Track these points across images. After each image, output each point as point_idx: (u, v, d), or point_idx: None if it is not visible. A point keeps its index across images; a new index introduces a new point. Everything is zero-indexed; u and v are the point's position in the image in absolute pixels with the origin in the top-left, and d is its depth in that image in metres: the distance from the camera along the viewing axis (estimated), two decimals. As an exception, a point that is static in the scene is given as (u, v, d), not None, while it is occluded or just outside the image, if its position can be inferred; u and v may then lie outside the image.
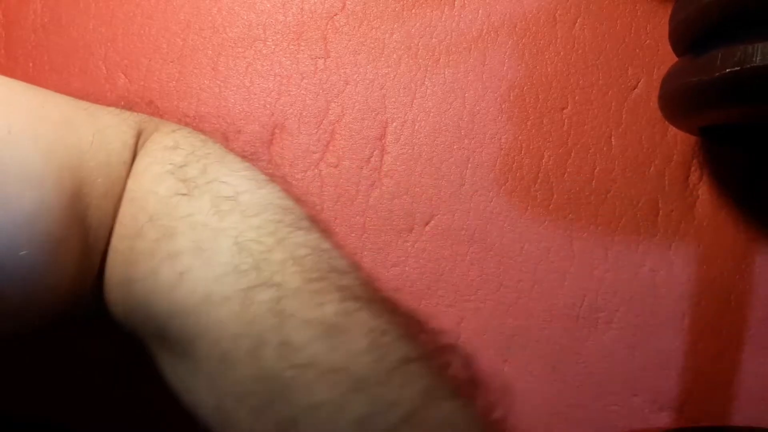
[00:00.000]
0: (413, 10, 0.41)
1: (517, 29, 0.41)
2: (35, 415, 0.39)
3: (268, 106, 0.41)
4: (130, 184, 0.29)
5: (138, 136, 0.30)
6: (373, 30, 0.41)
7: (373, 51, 0.41)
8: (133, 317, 0.28)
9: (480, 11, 0.41)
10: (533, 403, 0.40)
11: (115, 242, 0.28)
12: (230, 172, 0.29)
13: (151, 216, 0.27)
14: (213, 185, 0.28)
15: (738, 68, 0.27)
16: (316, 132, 0.40)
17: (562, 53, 0.41)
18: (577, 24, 0.41)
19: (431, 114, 0.41)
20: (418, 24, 0.41)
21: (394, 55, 0.41)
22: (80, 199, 0.26)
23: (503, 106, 0.41)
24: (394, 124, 0.41)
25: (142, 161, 0.29)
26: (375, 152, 0.40)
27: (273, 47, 0.41)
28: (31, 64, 0.41)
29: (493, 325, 0.40)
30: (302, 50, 0.41)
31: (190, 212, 0.27)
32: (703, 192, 0.40)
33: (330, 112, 0.41)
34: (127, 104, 0.34)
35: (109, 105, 0.33)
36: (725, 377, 0.40)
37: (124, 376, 0.40)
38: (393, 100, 0.41)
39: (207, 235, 0.26)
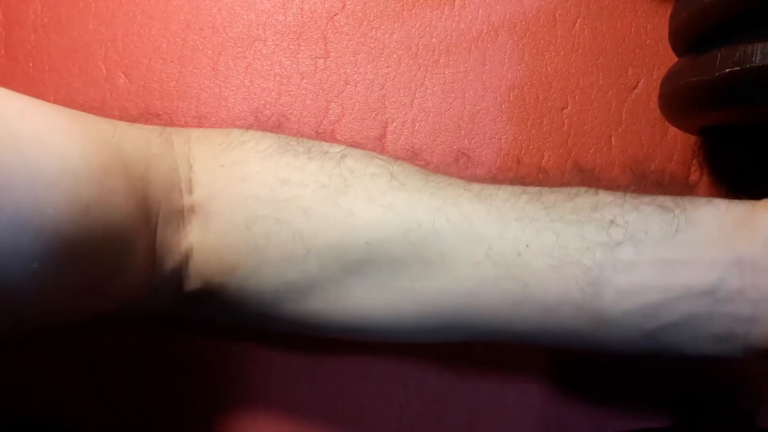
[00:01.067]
0: (413, 10, 0.41)
1: (517, 29, 0.41)
2: (35, 415, 0.39)
3: (268, 107, 0.41)
4: (227, 166, 0.32)
5: (160, 134, 0.32)
6: (373, 30, 0.41)
7: (373, 51, 0.41)
8: (298, 262, 0.30)
9: (480, 11, 0.41)
10: (531, 402, 0.40)
11: (243, 215, 0.31)
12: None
13: (316, 180, 0.31)
14: (318, 147, 0.33)
15: (737, 68, 0.27)
16: (316, 132, 0.40)
17: (562, 53, 0.41)
18: (577, 24, 0.41)
19: (431, 114, 0.41)
20: (418, 24, 0.41)
21: (394, 55, 0.41)
22: (112, 176, 0.27)
23: (503, 106, 0.41)
24: (394, 124, 0.41)
25: (249, 154, 0.32)
26: (375, 152, 0.40)
27: (273, 47, 0.41)
28: (31, 64, 0.41)
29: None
30: (302, 50, 0.41)
31: (353, 168, 0.31)
32: (703, 192, 0.40)
33: (330, 112, 0.41)
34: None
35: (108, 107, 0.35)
36: (730, 375, 0.40)
37: (124, 376, 0.40)
38: (393, 100, 0.41)
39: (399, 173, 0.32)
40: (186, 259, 0.31)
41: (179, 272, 0.31)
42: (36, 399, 0.40)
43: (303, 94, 0.41)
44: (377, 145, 0.40)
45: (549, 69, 0.41)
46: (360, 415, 0.40)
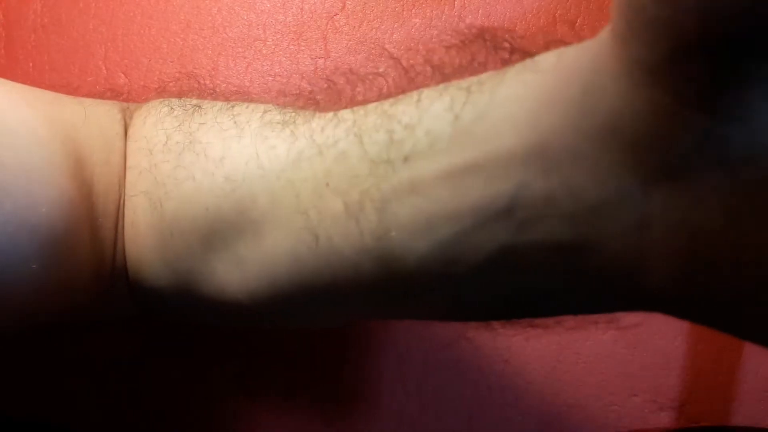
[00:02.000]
0: (413, 10, 0.41)
1: (517, 29, 0.41)
2: (35, 415, 0.39)
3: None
4: (130, 141, 0.28)
5: (123, 112, 0.30)
6: (373, 30, 0.41)
7: (373, 51, 0.41)
8: (171, 247, 0.26)
9: (480, 11, 0.41)
10: (531, 402, 0.40)
11: (132, 192, 0.27)
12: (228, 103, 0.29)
13: (164, 143, 0.26)
14: (217, 102, 0.28)
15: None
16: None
17: (562, 53, 0.41)
18: (577, 24, 0.41)
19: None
20: (418, 24, 0.41)
21: (394, 55, 0.41)
22: (84, 167, 0.26)
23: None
24: (394, 124, 0.41)
25: (135, 122, 0.29)
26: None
27: (273, 47, 0.41)
28: (31, 64, 0.41)
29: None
30: (302, 50, 0.41)
31: (204, 120, 0.26)
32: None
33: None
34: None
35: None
36: (725, 377, 0.40)
37: (124, 376, 0.40)
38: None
39: (229, 124, 0.26)
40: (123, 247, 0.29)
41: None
42: (36, 399, 0.40)
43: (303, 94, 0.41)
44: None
45: (549, 69, 0.41)
46: (360, 415, 0.40)
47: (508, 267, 0.19)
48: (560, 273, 0.18)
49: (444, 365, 0.40)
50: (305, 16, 0.41)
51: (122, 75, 0.41)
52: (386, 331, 0.35)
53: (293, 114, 0.26)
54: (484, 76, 0.20)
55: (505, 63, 0.21)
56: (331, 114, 0.24)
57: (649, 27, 0.14)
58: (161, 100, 0.30)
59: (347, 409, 0.40)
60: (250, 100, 0.28)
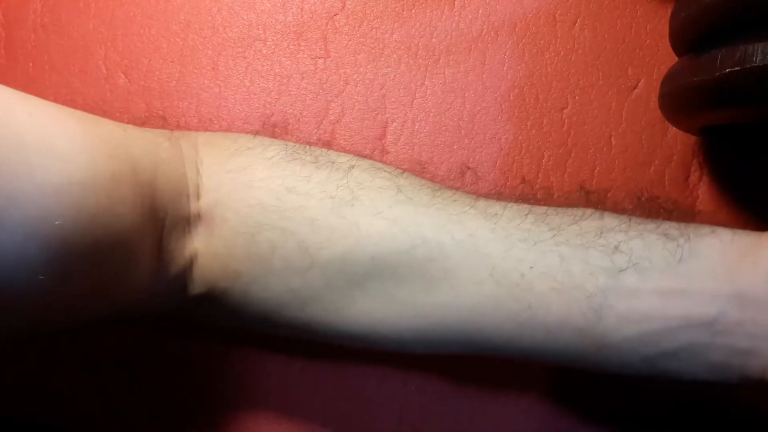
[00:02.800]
0: (413, 10, 0.41)
1: (517, 29, 0.41)
2: (35, 415, 0.39)
3: (268, 106, 0.41)
4: (230, 174, 0.32)
5: (169, 138, 0.32)
6: (373, 30, 0.41)
7: (373, 51, 0.41)
8: (311, 277, 0.31)
9: (480, 11, 0.41)
10: (531, 403, 0.40)
11: (253, 228, 0.31)
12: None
13: (322, 192, 0.31)
14: (326, 156, 0.33)
15: (738, 68, 0.27)
16: (316, 132, 0.41)
17: (562, 53, 0.41)
18: (577, 24, 0.41)
19: (431, 114, 0.41)
20: (418, 24, 0.41)
21: (394, 55, 0.41)
22: (121, 184, 0.27)
23: (503, 106, 0.41)
24: (394, 124, 0.41)
25: (253, 158, 0.32)
26: (375, 152, 0.40)
27: (273, 47, 0.41)
28: (31, 64, 0.41)
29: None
30: (302, 50, 0.41)
31: (361, 182, 0.32)
32: (703, 192, 0.40)
33: (330, 112, 0.41)
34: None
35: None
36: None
37: (124, 376, 0.40)
38: (393, 100, 0.41)
39: (392, 191, 0.32)
40: (191, 263, 0.31)
41: (183, 277, 0.31)
42: (36, 399, 0.40)
43: (303, 94, 0.41)
44: (377, 145, 0.40)
45: (549, 69, 0.41)
46: (360, 415, 0.40)
47: (695, 355, 0.28)
48: (729, 368, 0.27)
49: (445, 366, 0.40)
50: (305, 16, 0.41)
51: (122, 75, 0.41)
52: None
53: (462, 193, 0.32)
54: (683, 226, 0.29)
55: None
56: (523, 210, 0.30)
57: None
58: (276, 143, 0.34)
59: (347, 409, 0.40)
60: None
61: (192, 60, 0.41)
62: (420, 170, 0.40)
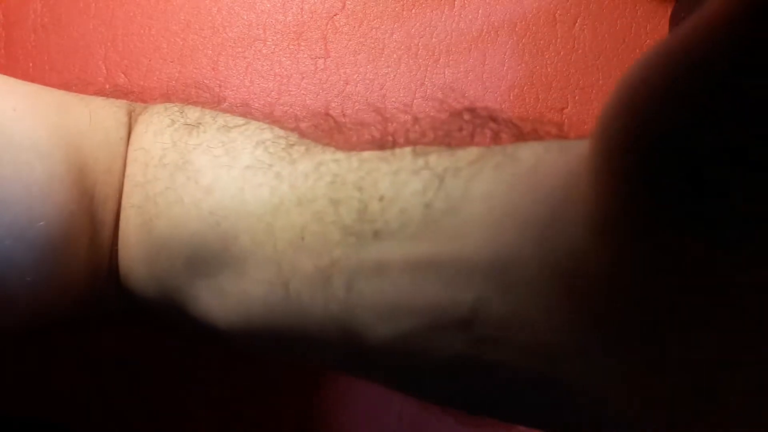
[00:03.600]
0: (413, 10, 0.41)
1: (517, 29, 0.41)
2: (35, 415, 0.39)
3: (268, 106, 0.41)
4: (131, 149, 0.29)
5: (129, 114, 0.31)
6: (373, 30, 0.41)
7: (373, 51, 0.41)
8: (158, 264, 0.26)
9: (480, 11, 0.41)
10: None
11: (126, 203, 0.27)
12: (228, 116, 0.29)
13: (160, 158, 0.27)
14: (218, 119, 0.28)
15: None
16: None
17: (562, 53, 0.41)
18: (577, 24, 0.41)
19: (431, 114, 0.41)
20: (418, 24, 0.41)
21: (394, 55, 0.41)
22: (86, 175, 0.26)
23: (503, 106, 0.41)
24: (394, 124, 0.41)
25: (138, 129, 0.29)
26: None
27: (273, 47, 0.41)
28: (31, 64, 0.41)
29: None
30: (302, 50, 0.41)
31: (199, 142, 0.26)
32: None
33: (330, 112, 0.41)
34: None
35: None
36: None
37: (124, 376, 0.40)
38: (393, 100, 0.41)
39: (221, 151, 0.26)
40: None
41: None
42: (36, 399, 0.40)
43: (303, 94, 0.41)
44: (377, 145, 0.40)
45: (549, 69, 0.41)
46: (360, 414, 0.40)
47: (465, 375, 0.19)
48: (520, 393, 0.18)
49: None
50: (305, 16, 0.41)
51: (122, 75, 0.41)
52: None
53: (285, 147, 0.25)
54: (463, 156, 0.20)
55: (494, 137, 0.21)
56: (316, 160, 0.24)
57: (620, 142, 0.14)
58: (165, 106, 0.30)
59: (347, 409, 0.40)
60: (252, 115, 0.28)
61: (192, 60, 0.41)
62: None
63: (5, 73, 0.41)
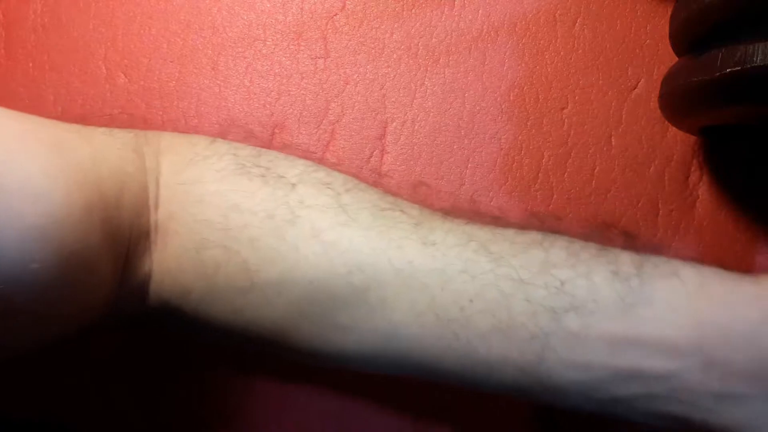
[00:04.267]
0: (413, 10, 0.41)
1: (517, 29, 0.41)
2: (35, 415, 0.39)
3: (268, 106, 0.41)
4: (177, 181, 0.31)
5: (135, 149, 0.32)
6: (373, 30, 0.41)
7: (373, 51, 0.41)
8: (254, 299, 0.30)
9: (480, 11, 0.41)
10: (531, 403, 0.40)
11: (190, 239, 0.30)
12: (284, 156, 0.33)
13: (261, 211, 0.30)
14: (275, 169, 0.32)
15: (739, 68, 0.27)
16: (316, 132, 0.40)
17: (562, 53, 0.41)
18: (577, 24, 0.41)
19: (431, 114, 0.41)
20: (418, 24, 0.41)
21: (394, 55, 0.41)
22: (93, 213, 0.27)
23: (503, 106, 0.41)
24: (394, 124, 0.41)
25: (194, 170, 0.32)
26: (375, 152, 0.40)
27: (273, 47, 0.41)
28: (31, 64, 0.41)
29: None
30: (302, 50, 0.41)
31: (302, 200, 0.30)
32: (703, 192, 0.40)
33: (330, 112, 0.41)
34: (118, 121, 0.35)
35: (103, 114, 0.34)
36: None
37: (124, 376, 0.40)
38: (393, 100, 0.41)
39: (337, 210, 0.30)
40: (148, 278, 0.31)
41: (141, 291, 0.31)
42: (37, 399, 0.40)
43: (303, 94, 0.41)
44: (377, 145, 0.40)
45: (549, 69, 0.41)
46: (360, 415, 0.40)
47: (652, 406, 0.26)
48: (689, 423, 0.26)
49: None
50: (305, 16, 0.41)
51: (122, 75, 0.41)
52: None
53: (408, 213, 0.30)
54: (642, 261, 0.27)
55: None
56: (465, 237, 0.29)
57: None
58: (230, 153, 0.32)
59: (347, 409, 0.40)
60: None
61: (192, 60, 0.41)
62: (420, 170, 0.40)
63: (5, 73, 0.41)
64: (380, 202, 0.31)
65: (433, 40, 0.41)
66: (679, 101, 0.33)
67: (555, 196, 0.40)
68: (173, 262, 0.30)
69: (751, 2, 0.27)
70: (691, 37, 0.31)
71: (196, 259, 0.30)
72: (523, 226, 0.30)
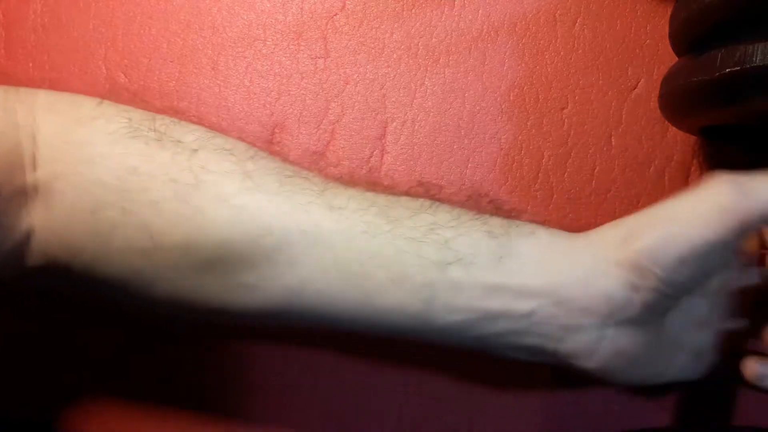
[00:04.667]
0: (413, 10, 0.41)
1: (517, 29, 0.41)
2: (33, 414, 0.39)
3: (268, 106, 0.41)
4: (61, 140, 0.31)
5: (3, 107, 0.32)
6: (373, 30, 0.41)
7: (373, 51, 0.41)
8: (158, 259, 0.31)
9: (480, 11, 0.41)
10: (531, 403, 0.40)
11: (79, 198, 0.30)
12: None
13: (155, 171, 0.31)
14: (171, 134, 0.33)
15: (738, 68, 0.27)
16: (316, 132, 0.40)
17: (562, 53, 0.41)
18: (577, 24, 0.41)
19: (431, 114, 0.41)
20: (418, 24, 0.41)
21: (394, 55, 0.41)
22: None
23: (503, 106, 0.41)
24: (394, 124, 0.41)
25: (73, 123, 0.32)
26: (375, 152, 0.40)
27: (273, 47, 0.41)
28: (31, 64, 0.41)
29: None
30: (302, 50, 0.41)
31: (203, 164, 0.32)
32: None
33: (330, 112, 0.41)
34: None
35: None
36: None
37: (124, 376, 0.40)
38: (393, 100, 0.41)
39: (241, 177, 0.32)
40: (27, 237, 0.31)
41: (20, 249, 0.31)
42: (36, 399, 0.40)
43: (303, 94, 0.41)
44: (377, 145, 0.40)
45: (549, 69, 0.41)
46: (360, 414, 0.40)
47: (515, 339, 0.31)
48: (543, 352, 0.32)
49: (445, 365, 0.40)
50: (305, 16, 0.41)
51: (122, 75, 0.41)
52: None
53: (311, 180, 0.33)
54: (507, 224, 0.32)
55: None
56: (366, 203, 0.32)
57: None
58: (120, 115, 0.33)
59: (347, 409, 0.40)
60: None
61: (192, 60, 0.41)
62: (420, 170, 0.40)
63: (5, 73, 0.41)
64: (284, 170, 0.33)
65: (433, 40, 0.41)
66: (678, 101, 0.33)
67: (555, 196, 0.40)
68: (61, 222, 0.31)
69: (751, 2, 0.27)
70: (691, 37, 0.31)
71: (90, 220, 0.30)
72: (410, 192, 0.34)
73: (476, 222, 0.32)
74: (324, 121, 0.41)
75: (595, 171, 0.40)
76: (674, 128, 0.39)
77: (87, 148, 0.31)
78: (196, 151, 0.32)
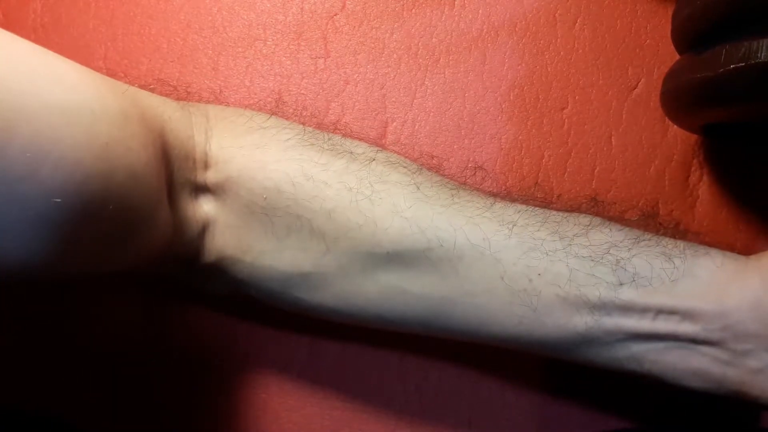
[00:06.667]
0: (413, 10, 0.41)
1: (517, 29, 0.41)
2: (36, 409, 0.39)
3: (268, 106, 0.41)
4: (242, 152, 0.32)
5: (180, 106, 0.33)
6: (373, 30, 0.41)
7: (373, 51, 0.41)
8: (333, 259, 0.32)
9: (480, 11, 0.41)
10: (531, 402, 0.40)
11: (251, 201, 0.32)
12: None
13: (329, 181, 0.32)
14: (342, 146, 0.34)
15: (742, 64, 0.27)
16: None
17: (562, 53, 0.41)
18: (577, 24, 0.41)
19: (431, 114, 0.41)
20: (418, 24, 0.41)
21: (394, 55, 0.41)
22: (131, 119, 0.27)
23: (503, 106, 0.41)
24: (394, 124, 0.41)
25: (274, 146, 0.33)
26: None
27: (273, 47, 0.41)
28: (30, 64, 0.41)
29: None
30: (302, 50, 0.41)
31: (378, 181, 0.32)
32: (703, 192, 0.40)
33: (330, 112, 0.41)
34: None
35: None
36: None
37: (128, 372, 0.40)
38: (393, 100, 0.41)
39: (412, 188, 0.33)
40: (203, 230, 0.32)
41: (197, 241, 0.32)
42: (38, 395, 0.39)
43: (303, 94, 0.41)
44: (377, 145, 0.40)
45: (549, 69, 0.41)
46: (360, 413, 0.40)
47: (679, 360, 0.30)
48: (708, 376, 0.30)
49: (444, 365, 0.40)
50: (305, 16, 0.41)
51: (122, 75, 0.41)
52: (386, 331, 0.35)
53: (478, 195, 0.33)
54: (681, 245, 0.31)
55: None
56: (537, 219, 0.32)
57: None
58: (291, 127, 0.34)
59: (347, 408, 0.40)
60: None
61: (192, 60, 0.41)
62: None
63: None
64: (449, 183, 0.34)
65: (433, 40, 0.41)
66: (681, 98, 0.33)
67: (562, 199, 0.40)
68: (236, 220, 0.32)
69: (754, -1, 0.27)
70: (694, 34, 0.31)
71: (265, 221, 0.31)
72: (582, 209, 0.34)
73: (651, 242, 0.31)
74: (324, 121, 0.41)
75: (595, 171, 0.40)
76: (675, 128, 0.39)
77: (260, 153, 0.32)
78: (370, 161, 0.33)
